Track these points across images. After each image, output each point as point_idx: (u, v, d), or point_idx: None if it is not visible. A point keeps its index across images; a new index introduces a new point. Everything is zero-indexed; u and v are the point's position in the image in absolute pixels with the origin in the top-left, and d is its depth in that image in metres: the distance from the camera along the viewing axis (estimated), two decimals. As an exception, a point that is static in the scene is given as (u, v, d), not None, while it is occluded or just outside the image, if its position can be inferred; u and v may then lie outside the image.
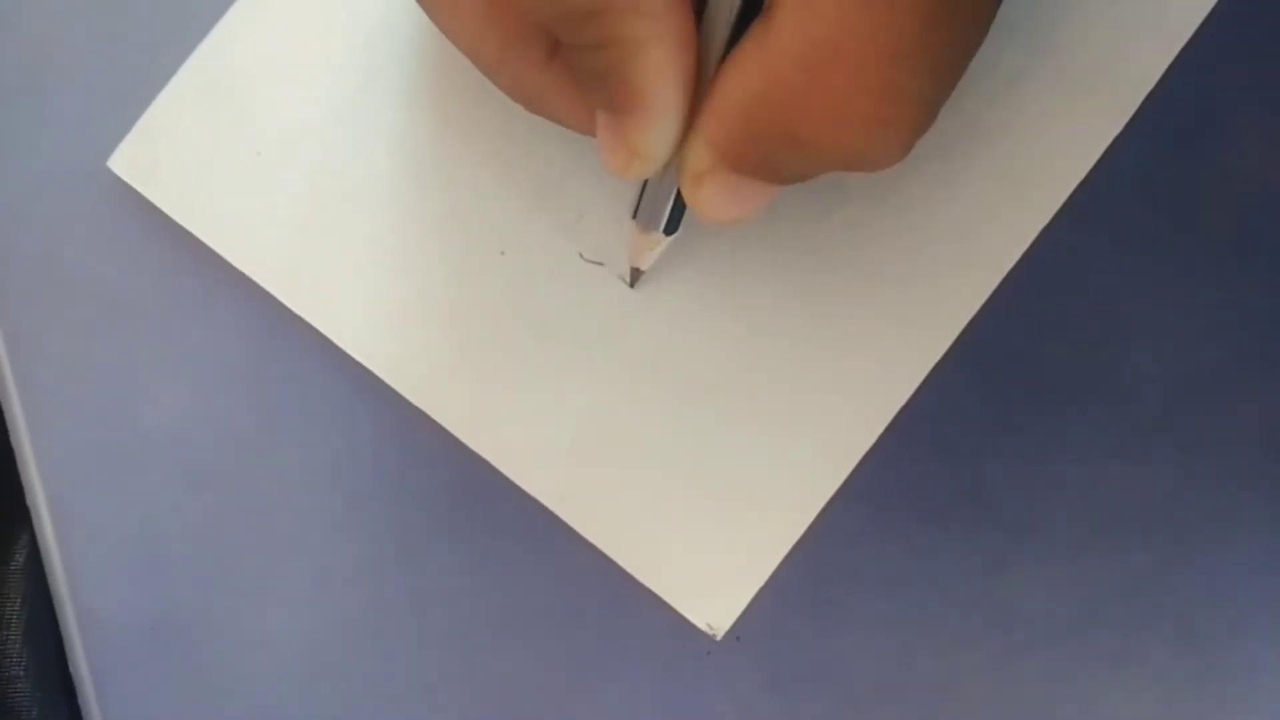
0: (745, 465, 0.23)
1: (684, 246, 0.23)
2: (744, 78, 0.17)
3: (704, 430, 0.23)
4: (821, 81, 0.16)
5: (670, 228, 0.22)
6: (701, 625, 0.23)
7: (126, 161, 0.24)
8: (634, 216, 0.22)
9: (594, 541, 0.23)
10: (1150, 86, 0.22)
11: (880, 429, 0.23)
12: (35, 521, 0.25)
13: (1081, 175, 0.23)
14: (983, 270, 0.23)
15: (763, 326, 0.23)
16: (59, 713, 0.27)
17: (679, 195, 0.21)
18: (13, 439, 0.25)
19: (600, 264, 0.23)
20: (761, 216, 0.19)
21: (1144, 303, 0.23)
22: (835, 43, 0.16)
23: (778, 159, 0.18)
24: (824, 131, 0.17)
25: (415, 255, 0.24)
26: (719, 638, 0.23)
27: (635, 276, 0.23)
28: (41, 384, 0.25)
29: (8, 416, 0.25)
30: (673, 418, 0.23)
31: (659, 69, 0.18)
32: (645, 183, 0.22)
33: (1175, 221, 0.23)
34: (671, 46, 0.17)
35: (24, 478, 0.25)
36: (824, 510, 0.23)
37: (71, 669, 0.25)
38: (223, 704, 0.24)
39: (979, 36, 0.17)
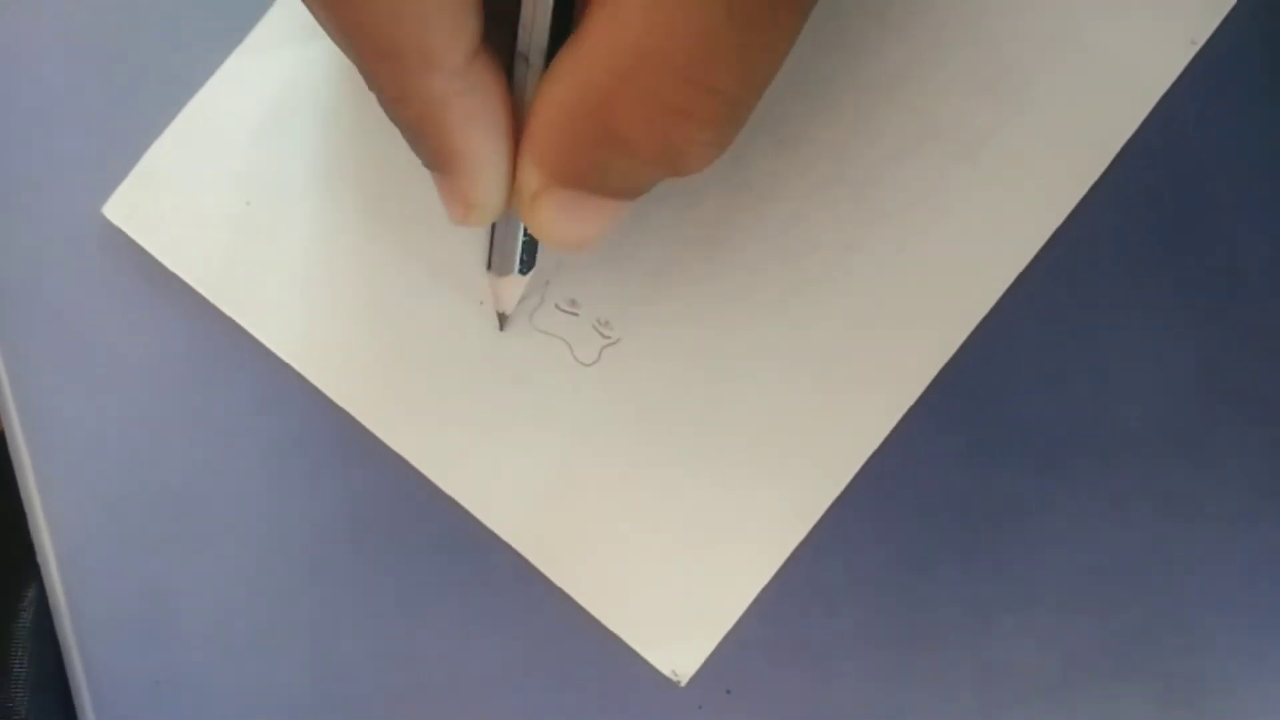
0: (711, 514, 0.23)
1: (653, 294, 0.24)
2: (560, 89, 0.18)
3: (672, 478, 0.24)
4: (632, 82, 0.17)
5: (524, 268, 0.22)
6: (666, 671, 0.23)
7: (121, 208, 0.24)
8: (489, 267, 0.23)
9: (560, 584, 0.24)
10: (1121, 144, 0.23)
11: (844, 482, 0.23)
12: (45, 577, 0.25)
13: (1049, 233, 0.23)
14: (950, 324, 0.23)
15: (731, 375, 0.24)
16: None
17: (527, 232, 0.22)
18: (22, 494, 0.25)
19: (560, 337, 0.24)
20: (608, 238, 0.20)
21: (1128, 360, 0.23)
22: (641, 46, 0.16)
23: (602, 164, 0.18)
24: (639, 130, 0.17)
25: (402, 305, 0.24)
26: (683, 684, 0.23)
27: (503, 321, 0.24)
28: (50, 441, 0.25)
29: (17, 473, 0.25)
30: (641, 465, 0.24)
31: (466, 123, 0.18)
32: (493, 230, 0.22)
33: (1157, 279, 0.23)
34: (478, 98, 0.18)
35: (34, 534, 0.25)
36: (813, 564, 0.23)
37: (78, 726, 0.25)
38: (226, 759, 0.24)
39: (785, 42, 0.17)
